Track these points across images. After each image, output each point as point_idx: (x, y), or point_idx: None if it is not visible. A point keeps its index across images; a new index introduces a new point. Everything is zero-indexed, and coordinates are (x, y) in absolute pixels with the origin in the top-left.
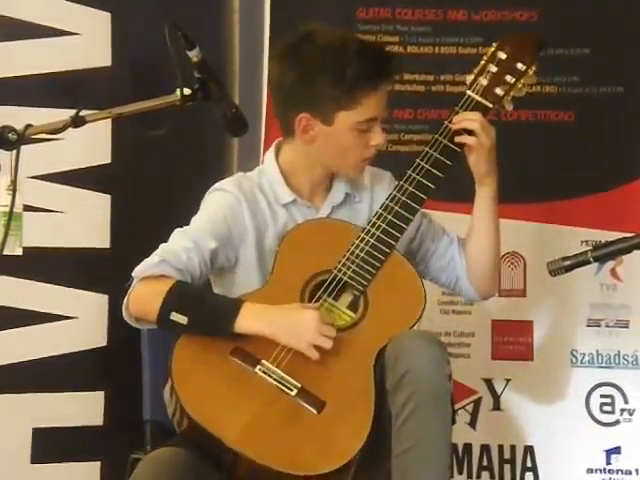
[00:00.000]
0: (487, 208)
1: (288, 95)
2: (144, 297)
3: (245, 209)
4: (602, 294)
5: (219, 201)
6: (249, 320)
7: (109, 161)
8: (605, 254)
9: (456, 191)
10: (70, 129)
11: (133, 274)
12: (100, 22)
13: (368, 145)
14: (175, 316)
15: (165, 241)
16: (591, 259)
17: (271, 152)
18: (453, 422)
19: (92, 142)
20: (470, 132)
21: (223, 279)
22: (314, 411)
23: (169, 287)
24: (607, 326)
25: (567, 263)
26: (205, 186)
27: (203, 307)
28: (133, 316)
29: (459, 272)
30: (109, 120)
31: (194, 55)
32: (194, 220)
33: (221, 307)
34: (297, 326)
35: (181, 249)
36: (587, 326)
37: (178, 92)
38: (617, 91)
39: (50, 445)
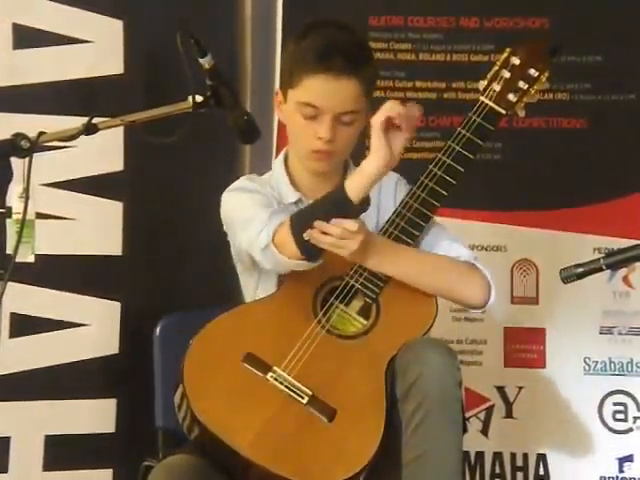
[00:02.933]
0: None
1: None
2: (283, 243)
3: (266, 194)
4: (615, 301)
5: (243, 195)
6: (355, 183)
7: (121, 168)
8: (618, 261)
9: (468, 198)
10: (83, 136)
11: (259, 237)
12: (113, 30)
13: (316, 136)
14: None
15: (176, 248)
16: (604, 266)
17: (280, 156)
18: (465, 430)
19: (105, 149)
20: None
21: (248, 278)
22: (325, 419)
23: (287, 224)
24: (620, 333)
25: (580, 270)
26: (217, 193)
27: (318, 210)
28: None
29: None
30: (122, 127)
31: (206, 62)
32: (238, 219)
33: (330, 197)
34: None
35: (266, 214)
36: (600, 333)
37: (190, 99)
38: (629, 98)
39: (62, 452)
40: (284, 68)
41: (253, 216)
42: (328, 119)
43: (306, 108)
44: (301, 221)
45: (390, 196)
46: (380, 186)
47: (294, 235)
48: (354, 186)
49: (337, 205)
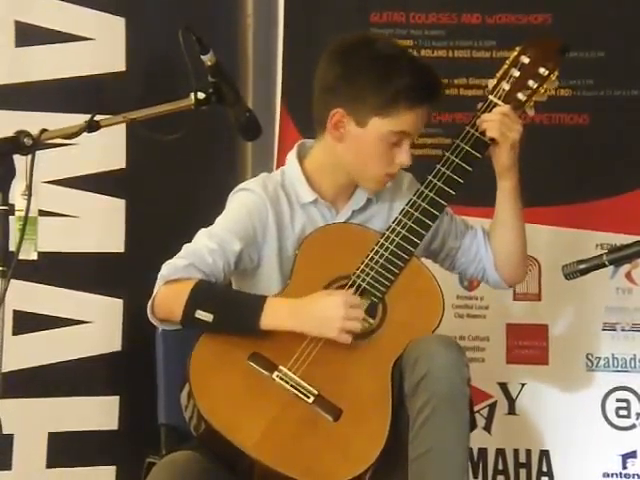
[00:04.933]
0: (510, 201)
1: (330, 89)
2: (169, 298)
3: (269, 209)
4: (617, 298)
5: (244, 201)
6: (275, 316)
7: (124, 166)
8: (621, 257)
9: (474, 196)
10: (85, 134)
11: (159, 276)
12: (114, 27)
13: (393, 161)
14: (200, 314)
15: (180, 245)
16: (606, 262)
17: (293, 153)
18: (474, 426)
19: (107, 147)
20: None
21: (245, 280)
22: (331, 419)
23: (192, 285)
24: (623, 330)
25: (582, 266)
26: (219, 190)
27: (228, 304)
28: (158, 318)
29: (486, 263)
30: (124, 125)
31: (208, 59)
32: (219, 220)
33: (246, 304)
34: (324, 315)
35: (207, 251)
36: (602, 330)
37: (192, 96)
38: (632, 94)
39: (66, 449)
40: (356, 97)
41: (204, 238)
42: (408, 145)
43: (396, 136)
44: (204, 295)
45: (403, 196)
46: (393, 183)
47: (188, 304)
48: (271, 321)
49: (245, 318)
